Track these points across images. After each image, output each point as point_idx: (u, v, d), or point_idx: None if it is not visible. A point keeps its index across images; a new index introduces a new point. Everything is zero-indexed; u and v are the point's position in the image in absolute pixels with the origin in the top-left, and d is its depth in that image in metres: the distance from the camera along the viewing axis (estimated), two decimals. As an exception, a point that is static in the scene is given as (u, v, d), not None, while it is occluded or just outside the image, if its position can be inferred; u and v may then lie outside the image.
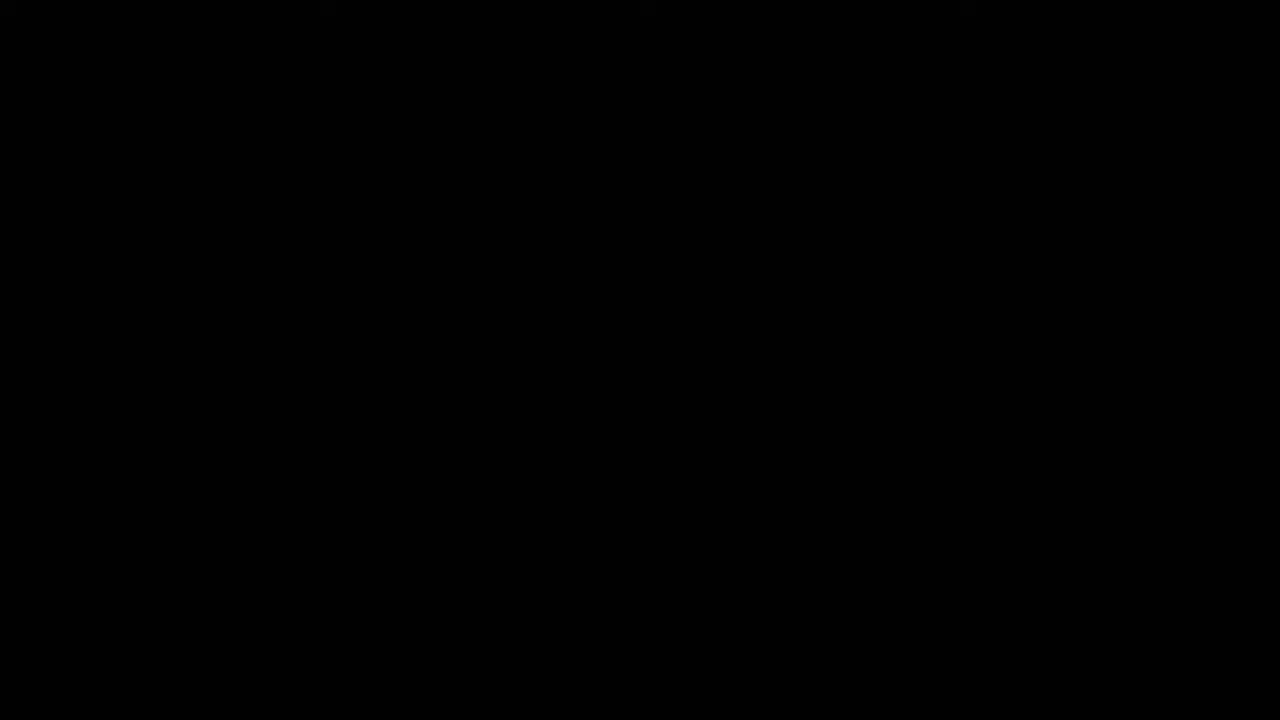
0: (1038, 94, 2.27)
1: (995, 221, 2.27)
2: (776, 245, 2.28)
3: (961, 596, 2.24)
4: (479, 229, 2.29)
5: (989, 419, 2.25)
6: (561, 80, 2.29)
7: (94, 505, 2.25)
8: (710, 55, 2.29)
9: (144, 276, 2.27)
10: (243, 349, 2.26)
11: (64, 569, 2.24)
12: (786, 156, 2.28)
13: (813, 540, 2.25)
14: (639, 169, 2.29)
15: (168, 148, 2.28)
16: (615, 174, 2.29)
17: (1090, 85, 2.27)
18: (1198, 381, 2.25)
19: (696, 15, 2.29)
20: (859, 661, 2.23)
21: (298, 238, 2.28)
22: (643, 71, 2.29)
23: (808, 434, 2.26)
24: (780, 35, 2.29)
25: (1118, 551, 2.24)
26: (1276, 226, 2.26)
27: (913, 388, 2.26)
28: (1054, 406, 2.25)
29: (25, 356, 2.26)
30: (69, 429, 2.25)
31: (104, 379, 2.26)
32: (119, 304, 2.26)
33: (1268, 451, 2.23)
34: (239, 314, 2.27)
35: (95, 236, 2.27)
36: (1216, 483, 2.24)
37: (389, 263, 2.28)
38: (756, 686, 2.23)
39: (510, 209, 2.29)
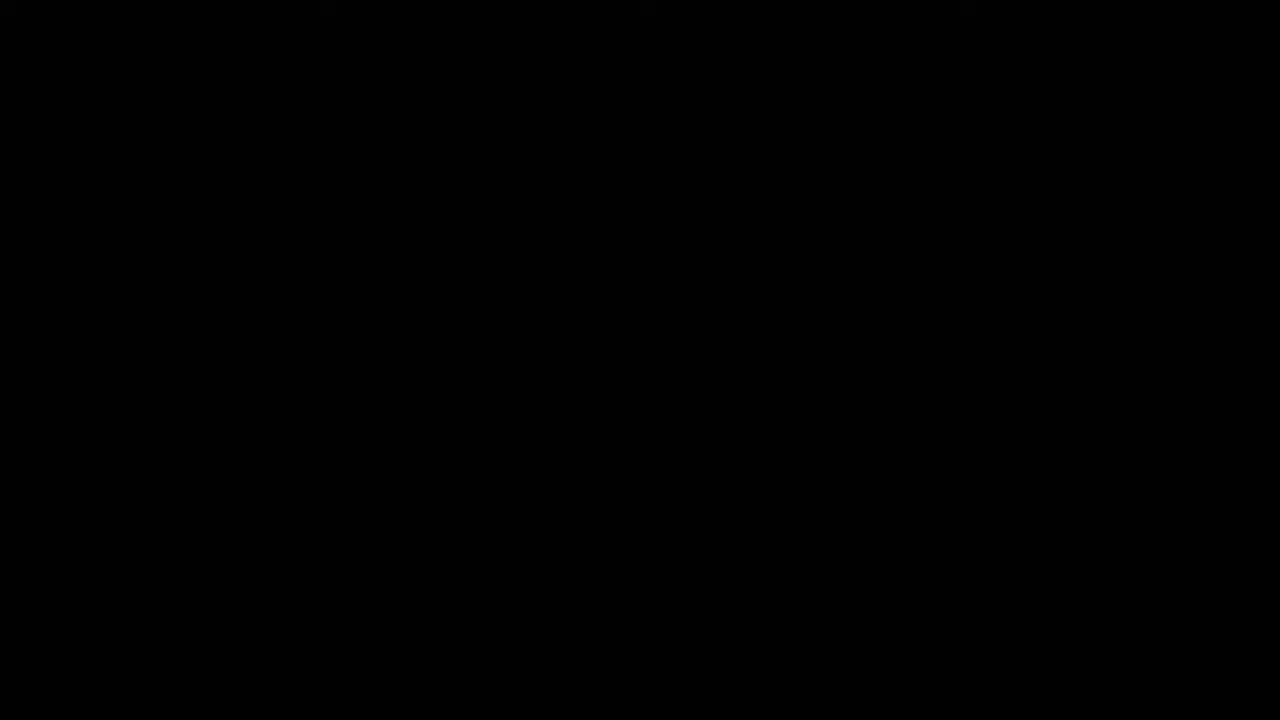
0: (1038, 94, 2.27)
1: (995, 221, 2.27)
2: (777, 245, 2.28)
3: (961, 597, 2.24)
4: (479, 229, 2.29)
5: (989, 419, 2.26)
6: (561, 80, 2.29)
7: (94, 505, 2.25)
8: (710, 55, 2.29)
9: (144, 276, 2.27)
10: (243, 349, 2.26)
11: (64, 569, 2.24)
12: (787, 156, 2.28)
13: (813, 540, 2.25)
14: (639, 169, 2.29)
15: (168, 148, 2.28)
16: (615, 174, 2.29)
17: (1090, 85, 2.27)
18: (1198, 381, 2.25)
19: (696, 15, 2.29)
20: (859, 662, 2.23)
21: (298, 237, 2.28)
22: (643, 71, 2.29)
23: (808, 434, 2.26)
24: (780, 35, 2.29)
25: (1118, 552, 2.24)
26: (1277, 226, 2.26)
27: (913, 388, 2.26)
28: (1054, 406, 2.25)
29: (25, 356, 2.26)
30: (69, 429, 2.25)
31: (104, 379, 2.26)
32: (119, 304, 2.26)
33: (1268, 451, 2.23)
34: (239, 314, 2.27)
35: (95, 236, 2.27)
36: (1216, 483, 2.24)
37: (389, 262, 2.28)
38: (756, 687, 2.23)
39: (511, 209, 2.29)
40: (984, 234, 2.27)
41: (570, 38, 2.29)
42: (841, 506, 2.25)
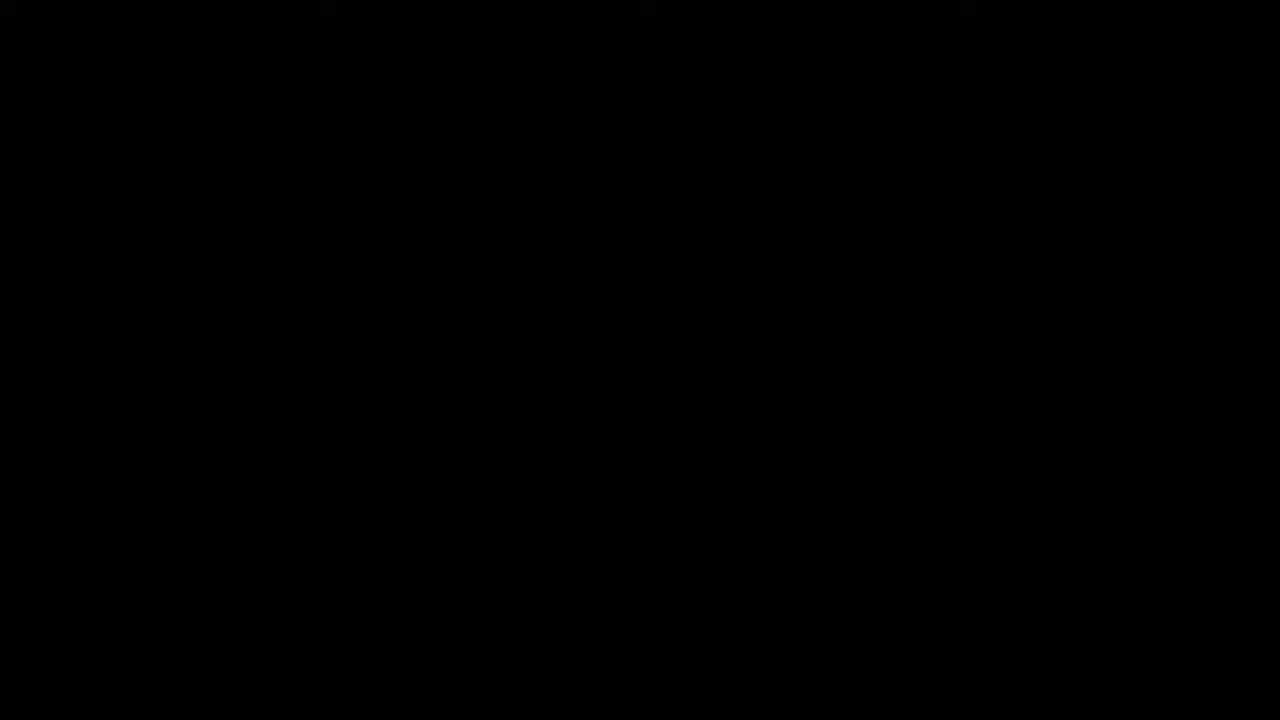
0: (1038, 94, 2.27)
1: (995, 221, 2.27)
2: (777, 245, 2.28)
3: (961, 597, 2.24)
4: (479, 229, 2.29)
5: (989, 419, 2.26)
6: (562, 80, 2.29)
7: (94, 505, 2.25)
8: (710, 55, 2.29)
9: (144, 276, 2.27)
10: (243, 349, 2.26)
11: (64, 569, 2.24)
12: (787, 156, 2.28)
13: (813, 540, 2.25)
14: (639, 169, 2.29)
15: (168, 148, 2.28)
16: (615, 174, 2.29)
17: (1090, 85, 2.27)
18: (1198, 381, 2.25)
19: (696, 15, 2.29)
20: (859, 662, 2.23)
21: (298, 237, 2.28)
22: (643, 71, 2.29)
23: (808, 434, 2.26)
24: (780, 35, 2.29)
25: (1118, 552, 2.24)
26: (1277, 226, 2.26)
27: (913, 388, 2.26)
28: (1054, 407, 2.25)
29: (25, 356, 2.26)
30: (69, 429, 2.25)
31: (104, 379, 2.26)
32: (119, 304, 2.26)
33: (1268, 451, 2.23)
34: (239, 314, 2.27)
35: (95, 236, 2.27)
36: (1216, 483, 2.24)
37: (389, 262, 2.28)
38: (756, 687, 2.23)
39: (511, 209, 2.29)
40: (984, 234, 2.27)
41: (570, 38, 2.29)
42: (841, 506, 2.25)
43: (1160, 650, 2.22)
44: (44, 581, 2.24)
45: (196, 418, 2.26)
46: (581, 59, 2.29)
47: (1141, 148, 2.27)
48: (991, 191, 2.27)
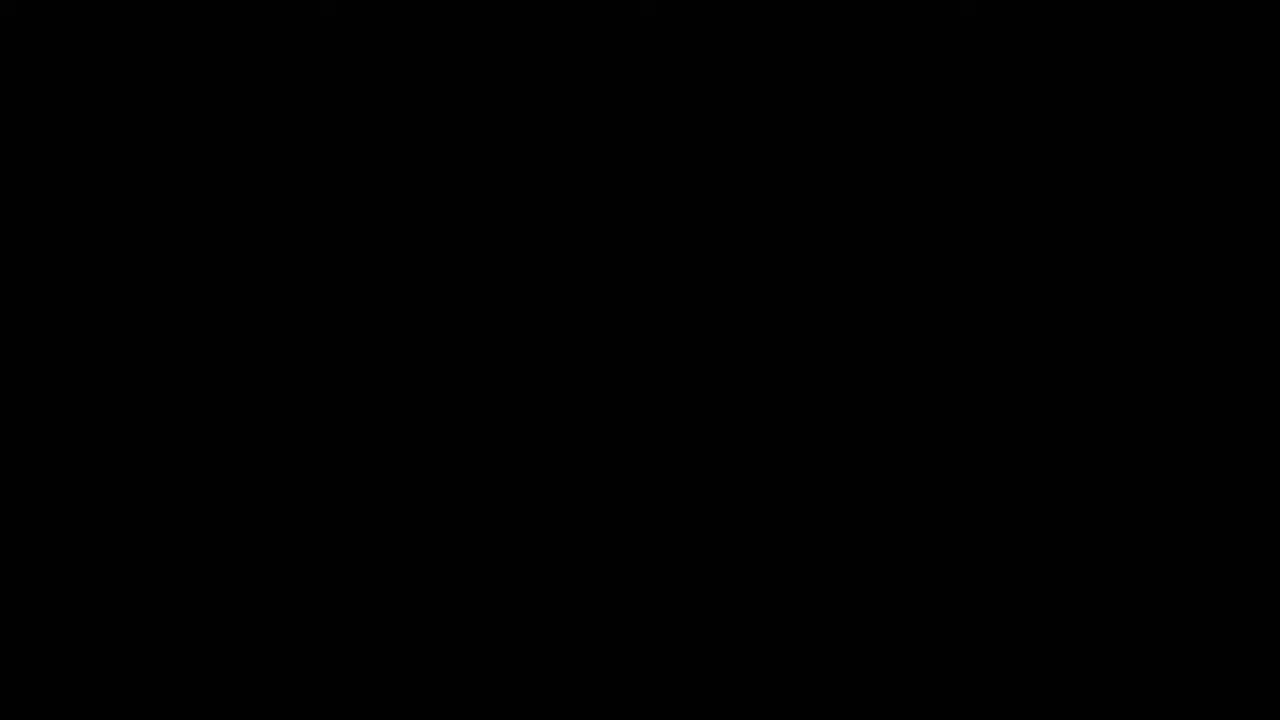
0: (1038, 94, 2.27)
1: (995, 221, 2.28)
2: (777, 245, 2.28)
3: (961, 597, 2.24)
4: (479, 229, 2.29)
5: (989, 419, 2.26)
6: (561, 80, 2.29)
7: (94, 505, 2.25)
8: (710, 55, 2.29)
9: (144, 276, 2.27)
10: (243, 349, 2.27)
11: (64, 569, 2.24)
12: (787, 156, 2.28)
13: (813, 540, 2.25)
14: (639, 169, 2.29)
15: (168, 148, 2.28)
16: (615, 174, 2.29)
17: (1090, 85, 2.27)
18: (1197, 382, 2.25)
19: (696, 15, 2.29)
20: (859, 662, 2.23)
21: (298, 238, 2.28)
22: (643, 71, 2.29)
23: (808, 434, 2.26)
24: (780, 35, 2.29)
25: (1118, 552, 2.24)
26: (1277, 226, 2.26)
27: (913, 388, 2.26)
28: (1054, 407, 2.25)
29: (25, 356, 2.26)
30: (69, 429, 2.25)
31: (104, 379, 2.26)
32: (119, 304, 2.27)
33: (1268, 451, 2.24)
34: (239, 314, 2.27)
35: (95, 236, 2.27)
36: (1217, 483, 2.24)
37: (389, 263, 2.28)
38: (756, 687, 2.23)
39: (510, 209, 2.29)
40: (984, 234, 2.27)
41: (570, 38, 2.29)
42: (841, 507, 2.25)
43: (1160, 650, 2.22)
44: (44, 581, 2.24)
45: (196, 417, 2.26)
46: (581, 59, 2.29)
47: (1141, 148, 2.27)
48: (991, 191, 2.28)
